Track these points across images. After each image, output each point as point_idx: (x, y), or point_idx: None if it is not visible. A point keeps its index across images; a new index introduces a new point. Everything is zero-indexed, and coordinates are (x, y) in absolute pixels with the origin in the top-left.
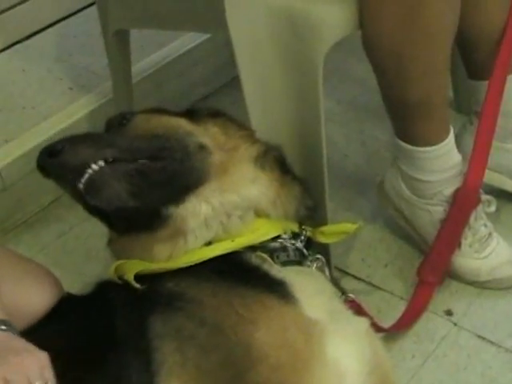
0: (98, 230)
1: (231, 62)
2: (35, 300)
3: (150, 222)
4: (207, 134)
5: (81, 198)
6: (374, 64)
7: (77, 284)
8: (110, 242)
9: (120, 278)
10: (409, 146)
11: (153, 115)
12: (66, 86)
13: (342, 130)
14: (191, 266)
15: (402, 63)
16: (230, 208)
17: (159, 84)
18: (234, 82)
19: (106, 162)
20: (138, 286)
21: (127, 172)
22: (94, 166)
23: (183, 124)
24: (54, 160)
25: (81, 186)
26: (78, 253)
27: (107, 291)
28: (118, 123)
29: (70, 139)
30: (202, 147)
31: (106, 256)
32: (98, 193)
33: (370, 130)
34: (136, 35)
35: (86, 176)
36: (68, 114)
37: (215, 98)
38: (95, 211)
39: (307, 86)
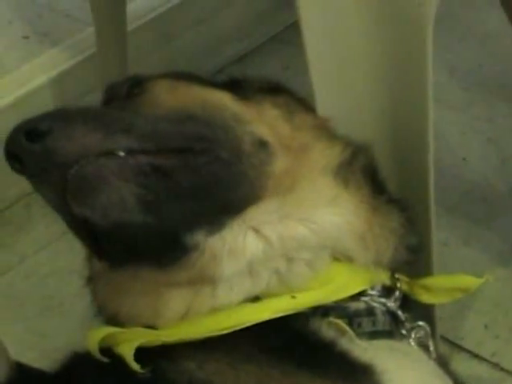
0: (63, 263)
1: (285, 2)
2: None
3: (163, 253)
4: (265, 122)
5: (65, 205)
6: None
7: (30, 348)
8: (93, 280)
9: (105, 350)
10: None
11: (180, 83)
12: (19, 32)
13: (457, 118)
14: (221, 336)
15: None
16: (293, 247)
17: (167, 35)
18: (285, 36)
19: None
20: (139, 368)
21: (140, 168)
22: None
23: (230, 103)
24: (36, 146)
25: (65, 181)
26: (32, 300)
27: (86, 374)
28: (126, 92)
29: (60, 115)
30: (262, 144)
31: (79, 306)
32: (90, 195)
33: (504, 117)
34: None
35: (75, 168)
36: (22, 75)
37: (256, 61)
38: (81, 226)
39: (407, 47)
